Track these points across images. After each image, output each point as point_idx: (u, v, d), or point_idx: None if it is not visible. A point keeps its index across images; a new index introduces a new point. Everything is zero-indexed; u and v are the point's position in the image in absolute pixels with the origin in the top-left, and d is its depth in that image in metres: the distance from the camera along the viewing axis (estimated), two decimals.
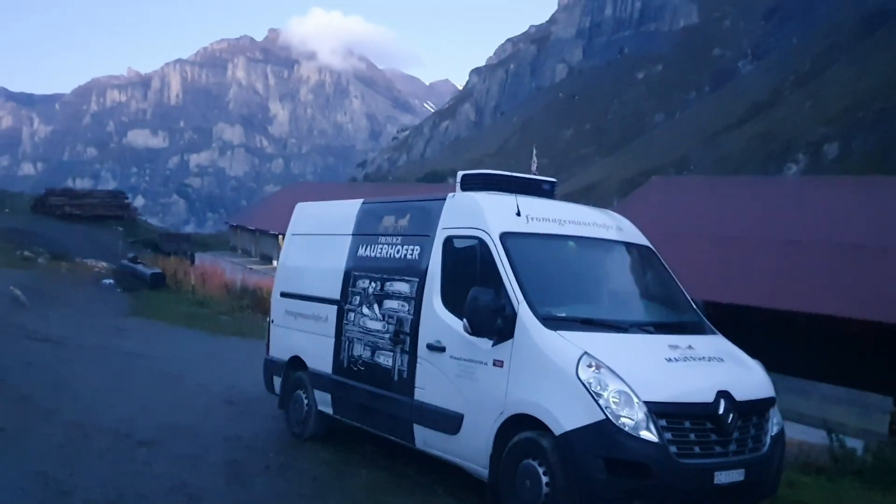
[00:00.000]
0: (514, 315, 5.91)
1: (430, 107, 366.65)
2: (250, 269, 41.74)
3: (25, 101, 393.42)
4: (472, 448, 6.13)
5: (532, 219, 6.62)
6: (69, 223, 47.29)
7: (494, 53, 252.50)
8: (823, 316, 13.86)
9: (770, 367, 6.40)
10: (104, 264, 31.09)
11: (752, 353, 6.42)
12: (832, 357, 14.18)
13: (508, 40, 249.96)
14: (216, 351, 15.69)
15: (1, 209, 49.99)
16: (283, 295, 9.24)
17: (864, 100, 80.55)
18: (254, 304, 22.77)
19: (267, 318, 9.74)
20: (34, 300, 19.24)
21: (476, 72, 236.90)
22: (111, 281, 26.35)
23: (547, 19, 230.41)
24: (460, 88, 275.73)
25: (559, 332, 5.74)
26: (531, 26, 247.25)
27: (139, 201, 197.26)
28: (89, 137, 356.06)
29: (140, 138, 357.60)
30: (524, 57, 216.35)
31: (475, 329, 6.05)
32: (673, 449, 5.28)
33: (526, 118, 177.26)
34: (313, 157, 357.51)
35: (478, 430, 6.04)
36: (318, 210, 9.52)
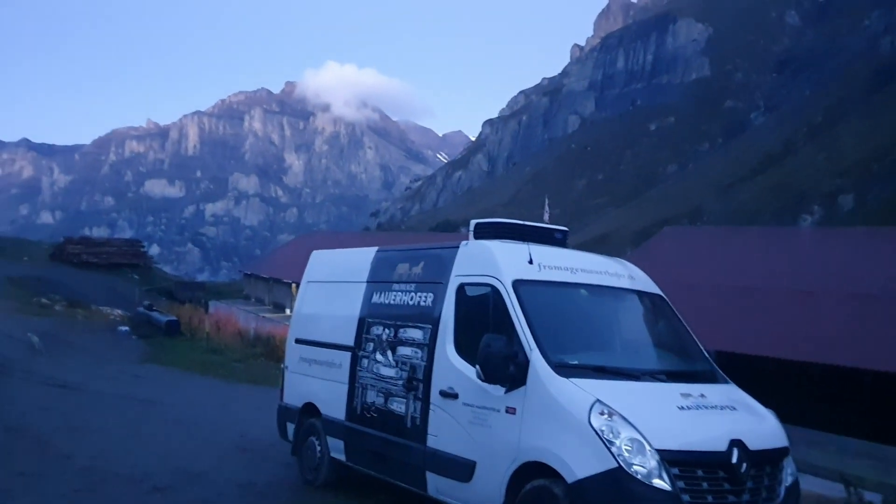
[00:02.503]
0: (527, 362, 5.96)
1: (442, 157, 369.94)
2: (263, 317, 41.86)
3: (46, 151, 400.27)
4: (484, 495, 6.12)
5: (544, 267, 6.71)
6: (86, 271, 47.72)
7: (507, 105, 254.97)
8: (838, 367, 13.76)
9: (786, 419, 6.39)
10: (120, 312, 31.29)
11: (767, 404, 6.41)
12: (848, 409, 14.03)
13: (521, 92, 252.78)
14: (230, 398, 15.71)
15: (20, 257, 50.51)
16: (298, 341, 9.32)
17: (878, 152, 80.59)
18: (267, 352, 22.79)
19: (280, 365, 9.82)
20: (51, 347, 19.40)
21: (489, 123, 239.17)
22: (127, 328, 26.51)
23: (559, 72, 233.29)
24: (473, 139, 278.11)
25: (571, 379, 5.78)
26: (544, 79, 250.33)
27: (155, 250, 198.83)
28: (107, 187, 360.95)
29: (157, 188, 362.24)
30: (537, 108, 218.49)
31: (488, 376, 6.09)
32: (686, 498, 5.27)
33: (538, 169, 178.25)
34: (327, 207, 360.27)
35: (490, 477, 6.05)
36: (333, 257, 9.66)
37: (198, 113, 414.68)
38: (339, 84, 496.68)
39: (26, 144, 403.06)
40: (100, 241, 62.35)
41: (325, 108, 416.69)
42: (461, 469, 6.33)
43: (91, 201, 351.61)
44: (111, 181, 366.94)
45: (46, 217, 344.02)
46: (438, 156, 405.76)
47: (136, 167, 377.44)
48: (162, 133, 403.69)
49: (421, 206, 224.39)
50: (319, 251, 9.97)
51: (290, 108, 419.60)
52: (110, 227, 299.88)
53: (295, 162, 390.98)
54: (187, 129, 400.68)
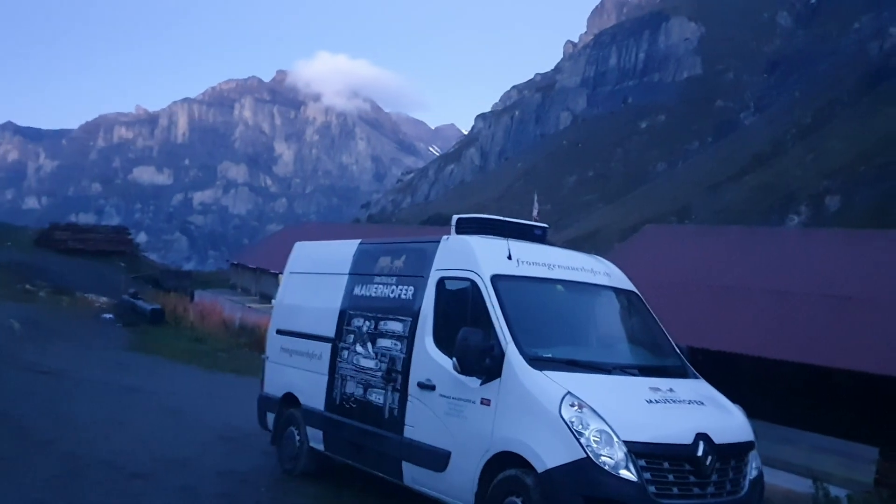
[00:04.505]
0: (503, 355, 6.09)
1: (435, 150, 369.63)
2: (249, 307, 41.83)
3: (33, 135, 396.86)
4: (458, 485, 6.26)
5: (523, 262, 6.84)
6: (72, 258, 47.43)
7: (500, 100, 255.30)
8: (810, 366, 14.01)
9: (758, 415, 6.55)
10: (105, 299, 31.21)
11: (740, 401, 6.55)
12: (819, 406, 14.29)
13: (514, 87, 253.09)
14: (213, 387, 15.78)
15: (4, 242, 50.18)
16: (279, 332, 9.41)
17: (865, 154, 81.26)
18: (252, 343, 22.84)
19: (262, 355, 9.91)
20: (34, 333, 19.37)
21: (482, 117, 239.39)
22: (111, 315, 26.46)
23: (552, 68, 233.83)
24: (465, 133, 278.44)
25: (545, 372, 5.91)
26: (537, 74, 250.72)
27: (142, 237, 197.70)
28: (95, 173, 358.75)
29: (145, 175, 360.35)
30: (529, 104, 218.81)
31: (464, 368, 6.22)
32: (651, 489, 5.41)
33: (530, 164, 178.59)
34: (317, 198, 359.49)
35: (464, 467, 6.18)
36: (315, 249, 9.75)
37: (187, 100, 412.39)
38: (331, 74, 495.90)
39: (12, 128, 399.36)
40: (86, 228, 61.87)
41: (317, 97, 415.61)
42: (436, 459, 6.46)
43: (78, 187, 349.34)
44: (99, 167, 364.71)
45: (32, 202, 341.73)
46: (431, 149, 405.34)
47: (124, 153, 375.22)
48: (151, 120, 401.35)
49: (412, 198, 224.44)
50: (302, 242, 10.07)
51: (281, 97, 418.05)
52: (97, 214, 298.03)
53: (285, 151, 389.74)
54: (177, 117, 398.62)
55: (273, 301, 10.58)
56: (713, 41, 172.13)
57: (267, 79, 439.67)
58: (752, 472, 6.06)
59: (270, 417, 9.17)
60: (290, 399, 8.77)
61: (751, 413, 6.46)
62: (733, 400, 6.55)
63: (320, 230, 63.31)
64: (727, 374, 8.45)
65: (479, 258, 6.78)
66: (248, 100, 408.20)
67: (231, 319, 28.36)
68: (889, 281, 15.53)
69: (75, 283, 35.43)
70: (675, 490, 5.53)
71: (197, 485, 7.84)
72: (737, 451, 5.97)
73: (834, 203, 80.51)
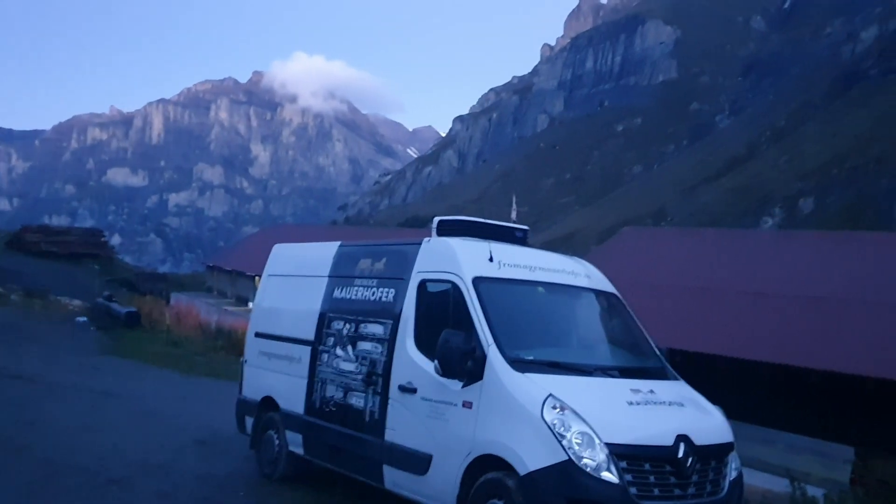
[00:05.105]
0: (484, 357, 6.07)
1: (412, 152, 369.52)
2: (226, 310, 41.54)
3: (4, 136, 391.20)
4: (439, 488, 6.23)
5: (504, 265, 6.84)
6: (45, 260, 46.89)
7: (478, 102, 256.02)
8: (786, 366, 14.18)
9: (735, 416, 6.59)
10: (79, 302, 30.85)
11: (718, 401, 6.59)
12: (796, 407, 14.47)
13: (492, 90, 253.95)
14: (189, 391, 15.62)
15: None
16: (258, 335, 9.33)
17: (838, 156, 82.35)
18: (228, 346, 22.66)
19: (240, 359, 9.83)
20: (6, 337, 19.10)
21: (459, 119, 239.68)
22: (85, 319, 26.14)
23: (529, 70, 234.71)
24: (443, 135, 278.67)
25: (526, 374, 5.91)
26: (514, 77, 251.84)
27: (116, 240, 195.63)
28: (68, 175, 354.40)
29: (119, 177, 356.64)
30: (507, 106, 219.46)
31: (446, 371, 6.20)
32: (633, 490, 5.42)
33: (508, 166, 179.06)
34: (293, 200, 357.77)
35: (446, 470, 6.15)
36: (295, 251, 9.69)
37: (163, 101, 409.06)
38: (308, 75, 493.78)
39: None
40: (59, 230, 61.24)
41: (293, 99, 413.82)
42: (418, 462, 6.43)
43: (51, 189, 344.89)
44: (72, 169, 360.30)
45: (3, 204, 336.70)
46: (408, 151, 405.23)
47: (98, 155, 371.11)
48: (125, 121, 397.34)
49: (390, 200, 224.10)
50: (281, 245, 10.00)
51: (258, 98, 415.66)
52: (71, 216, 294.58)
53: (261, 153, 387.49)
54: (152, 118, 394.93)
55: (250, 304, 10.49)
56: (688, 44, 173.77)
57: (243, 80, 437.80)
58: (731, 473, 6.09)
59: (249, 421, 9.09)
60: (269, 403, 8.69)
61: (729, 414, 6.51)
62: (712, 401, 6.59)
63: (297, 232, 63.00)
64: (705, 375, 8.50)
65: (461, 260, 6.77)
66: (223, 101, 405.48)
67: (207, 322, 28.12)
68: (862, 282, 15.76)
69: (48, 286, 34.99)
70: (657, 491, 5.54)
71: (175, 490, 7.76)
72: (717, 452, 6.00)
73: (807, 205, 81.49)
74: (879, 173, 74.03)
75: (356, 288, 7.83)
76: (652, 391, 6.11)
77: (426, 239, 7.33)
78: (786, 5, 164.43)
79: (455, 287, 6.63)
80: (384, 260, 7.72)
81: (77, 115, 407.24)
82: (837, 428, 13.54)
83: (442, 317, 6.59)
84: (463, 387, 6.15)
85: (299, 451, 8.17)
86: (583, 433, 5.46)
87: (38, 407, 11.60)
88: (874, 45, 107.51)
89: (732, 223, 77.88)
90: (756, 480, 9.13)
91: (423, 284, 7.05)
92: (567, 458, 5.39)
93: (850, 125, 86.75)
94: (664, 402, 6.06)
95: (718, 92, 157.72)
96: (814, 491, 8.99)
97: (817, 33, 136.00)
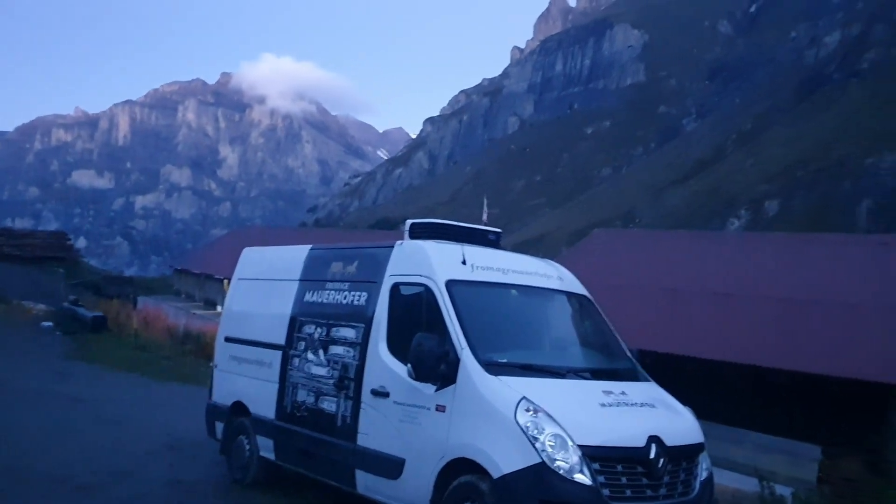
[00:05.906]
0: (458, 360, 6.07)
1: (383, 154, 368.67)
2: (194, 313, 41.07)
3: None
4: (412, 493, 6.22)
5: (477, 267, 6.85)
6: (7, 264, 45.91)
7: (448, 104, 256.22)
8: (753, 366, 14.39)
9: (704, 416, 6.66)
10: (43, 306, 30.25)
11: (686, 402, 6.67)
12: (764, 406, 14.68)
13: (462, 91, 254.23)
14: (158, 396, 15.43)
15: None
16: (228, 340, 9.25)
17: (803, 159, 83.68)
18: (197, 350, 22.40)
19: (209, 363, 9.72)
20: None
21: (430, 121, 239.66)
22: (50, 323, 25.67)
23: (500, 73, 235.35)
24: (414, 137, 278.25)
25: (500, 377, 5.92)
26: (484, 79, 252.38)
27: (81, 243, 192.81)
28: (31, 176, 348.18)
29: (85, 179, 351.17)
30: (477, 108, 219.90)
31: (419, 374, 6.18)
32: (605, 492, 5.46)
33: (478, 168, 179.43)
34: (262, 201, 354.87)
35: (419, 474, 6.14)
36: (265, 255, 9.61)
37: (129, 102, 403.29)
38: (276, 76, 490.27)
39: None
40: (23, 233, 59.90)
41: (262, 100, 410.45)
42: (390, 466, 6.41)
43: (14, 191, 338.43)
44: (36, 171, 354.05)
45: None
46: (379, 152, 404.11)
47: (62, 157, 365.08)
48: (91, 122, 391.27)
49: (360, 202, 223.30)
50: (251, 248, 9.91)
51: (226, 99, 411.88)
52: (34, 219, 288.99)
53: (229, 155, 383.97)
54: (118, 119, 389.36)
55: (219, 307, 10.40)
56: (656, 48, 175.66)
57: (211, 81, 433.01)
58: (702, 474, 6.17)
59: (219, 427, 9.01)
60: (239, 408, 8.62)
61: (698, 414, 6.57)
62: (682, 402, 6.66)
63: (266, 234, 62.48)
64: (675, 376, 8.58)
65: (434, 263, 6.76)
66: (191, 102, 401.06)
67: (175, 326, 27.77)
68: (827, 283, 16.03)
69: (11, 291, 34.24)
70: (629, 492, 5.59)
71: (144, 496, 7.67)
72: (688, 453, 6.07)
73: (773, 207, 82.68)
74: (842, 175, 75.41)
75: (328, 291, 7.80)
76: (624, 392, 6.16)
77: (399, 242, 7.32)
78: (752, 10, 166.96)
79: (428, 290, 6.62)
80: (356, 263, 7.68)
81: (41, 116, 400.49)
82: (805, 427, 13.76)
83: (415, 320, 6.58)
84: (436, 390, 6.15)
85: (270, 456, 8.10)
86: (556, 435, 5.48)
87: (2, 413, 11.38)
88: (837, 50, 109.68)
89: (700, 225, 78.86)
90: (726, 480, 9.24)
91: (395, 288, 7.03)
92: (540, 460, 5.41)
93: (813, 128, 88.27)
94: (636, 404, 6.11)
95: (685, 95, 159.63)
96: (782, 490, 9.12)
97: (782, 37, 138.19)
